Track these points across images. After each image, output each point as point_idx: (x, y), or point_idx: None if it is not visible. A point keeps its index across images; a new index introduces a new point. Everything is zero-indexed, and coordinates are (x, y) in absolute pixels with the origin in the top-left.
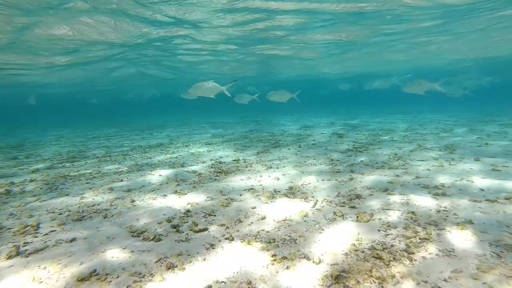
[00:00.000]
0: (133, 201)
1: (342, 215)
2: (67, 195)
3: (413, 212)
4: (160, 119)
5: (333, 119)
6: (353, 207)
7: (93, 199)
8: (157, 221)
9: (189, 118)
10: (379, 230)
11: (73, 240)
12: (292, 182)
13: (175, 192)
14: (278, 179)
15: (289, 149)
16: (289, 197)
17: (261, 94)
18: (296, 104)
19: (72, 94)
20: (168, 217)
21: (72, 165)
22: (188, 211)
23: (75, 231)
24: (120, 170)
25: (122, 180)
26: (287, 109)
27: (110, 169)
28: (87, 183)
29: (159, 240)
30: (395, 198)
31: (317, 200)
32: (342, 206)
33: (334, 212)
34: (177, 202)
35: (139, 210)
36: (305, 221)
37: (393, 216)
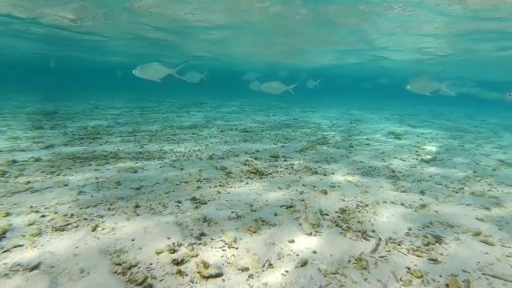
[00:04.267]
0: (137, 206)
1: (421, 276)
2: (65, 185)
3: None
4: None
5: (387, 113)
6: (435, 260)
7: (92, 196)
8: (155, 250)
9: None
10: None
11: (34, 268)
12: (344, 201)
13: (193, 199)
14: (326, 193)
15: (338, 148)
16: (340, 226)
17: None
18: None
19: None
20: (173, 244)
21: (90, 144)
22: (203, 233)
23: (46, 250)
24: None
25: (136, 171)
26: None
27: (129, 151)
28: (95, 170)
29: (150, 287)
30: (496, 252)
31: (380, 239)
32: (418, 256)
33: (408, 268)
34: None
35: (142, 222)
36: (365, 279)
37: None
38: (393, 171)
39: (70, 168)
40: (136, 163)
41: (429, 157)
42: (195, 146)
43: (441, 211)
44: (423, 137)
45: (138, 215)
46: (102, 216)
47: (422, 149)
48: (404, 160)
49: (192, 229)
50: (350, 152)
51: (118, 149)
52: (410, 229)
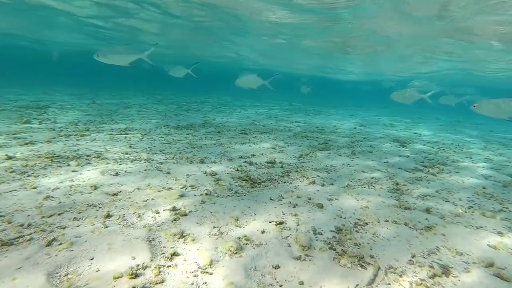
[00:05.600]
0: (108, 216)
1: None
2: (34, 188)
3: None
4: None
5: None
6: None
7: (60, 202)
8: (114, 274)
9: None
10: None
11: None
12: (341, 217)
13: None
14: (322, 207)
15: (339, 155)
16: (335, 249)
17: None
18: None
19: None
20: (138, 266)
21: (83, 138)
22: (176, 253)
23: None
24: (127, 155)
25: (117, 174)
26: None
27: (115, 152)
28: (73, 171)
29: None
30: None
31: (379, 268)
32: None
33: None
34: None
35: (108, 237)
36: None
37: None
38: (397, 183)
39: (45, 168)
40: (120, 164)
41: (435, 169)
42: (188, 148)
43: (449, 235)
44: (429, 146)
45: (106, 227)
46: (64, 227)
47: (429, 159)
48: (409, 172)
49: (164, 247)
50: (352, 160)
51: (104, 148)
52: (413, 256)
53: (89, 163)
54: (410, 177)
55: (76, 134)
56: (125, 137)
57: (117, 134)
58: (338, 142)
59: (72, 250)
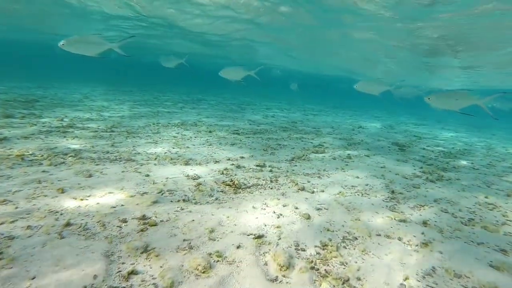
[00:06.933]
0: (68, 224)
1: None
2: None
3: None
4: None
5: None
6: None
7: (17, 207)
8: None
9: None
10: None
11: None
12: (329, 230)
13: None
14: (309, 217)
15: (334, 158)
16: (317, 270)
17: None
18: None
19: None
20: None
21: (64, 135)
22: (134, 271)
23: None
24: (112, 155)
25: (91, 176)
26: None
27: (91, 155)
28: (43, 171)
29: None
30: None
31: None
32: None
33: None
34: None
35: (60, 249)
36: None
37: None
38: (393, 191)
39: (13, 168)
40: (97, 164)
41: (435, 175)
42: (173, 148)
43: (447, 253)
44: (429, 150)
45: (62, 238)
46: (12, 238)
47: (428, 164)
48: (407, 178)
49: (123, 263)
50: (347, 165)
51: (85, 147)
52: (406, 279)
53: (63, 162)
54: (408, 184)
55: (59, 131)
56: (110, 134)
57: (102, 132)
58: (334, 145)
59: (11, 268)
